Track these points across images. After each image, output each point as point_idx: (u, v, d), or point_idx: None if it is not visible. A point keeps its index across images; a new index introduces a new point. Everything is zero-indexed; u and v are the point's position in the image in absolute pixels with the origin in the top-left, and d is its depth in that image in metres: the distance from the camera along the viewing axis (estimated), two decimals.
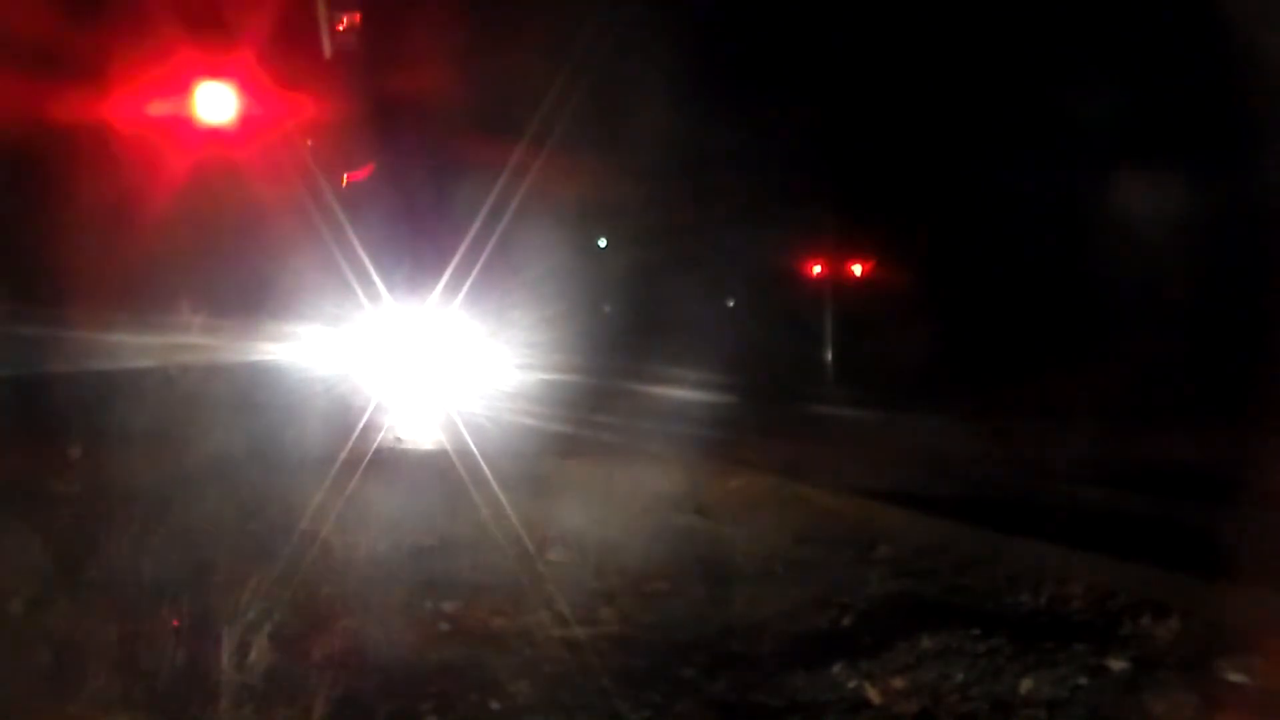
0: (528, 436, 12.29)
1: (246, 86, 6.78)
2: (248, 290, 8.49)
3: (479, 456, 9.60)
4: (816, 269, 24.06)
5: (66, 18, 5.78)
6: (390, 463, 9.33)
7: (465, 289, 15.18)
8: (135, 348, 6.77)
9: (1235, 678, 3.90)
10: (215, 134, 7.14)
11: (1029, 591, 5.24)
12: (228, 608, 3.83)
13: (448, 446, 11.56)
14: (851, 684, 4.15)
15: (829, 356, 23.22)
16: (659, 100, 17.06)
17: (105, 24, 6.12)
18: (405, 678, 4.17)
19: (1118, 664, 4.09)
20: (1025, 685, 3.99)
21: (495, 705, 3.94)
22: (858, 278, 23.71)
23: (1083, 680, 3.97)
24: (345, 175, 8.46)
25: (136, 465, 5.79)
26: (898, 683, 4.14)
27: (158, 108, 6.56)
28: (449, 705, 3.91)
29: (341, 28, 8.35)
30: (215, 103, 6.63)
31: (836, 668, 4.29)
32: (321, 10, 8.34)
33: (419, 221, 17.46)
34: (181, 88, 6.57)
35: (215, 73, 6.65)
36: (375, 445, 10.27)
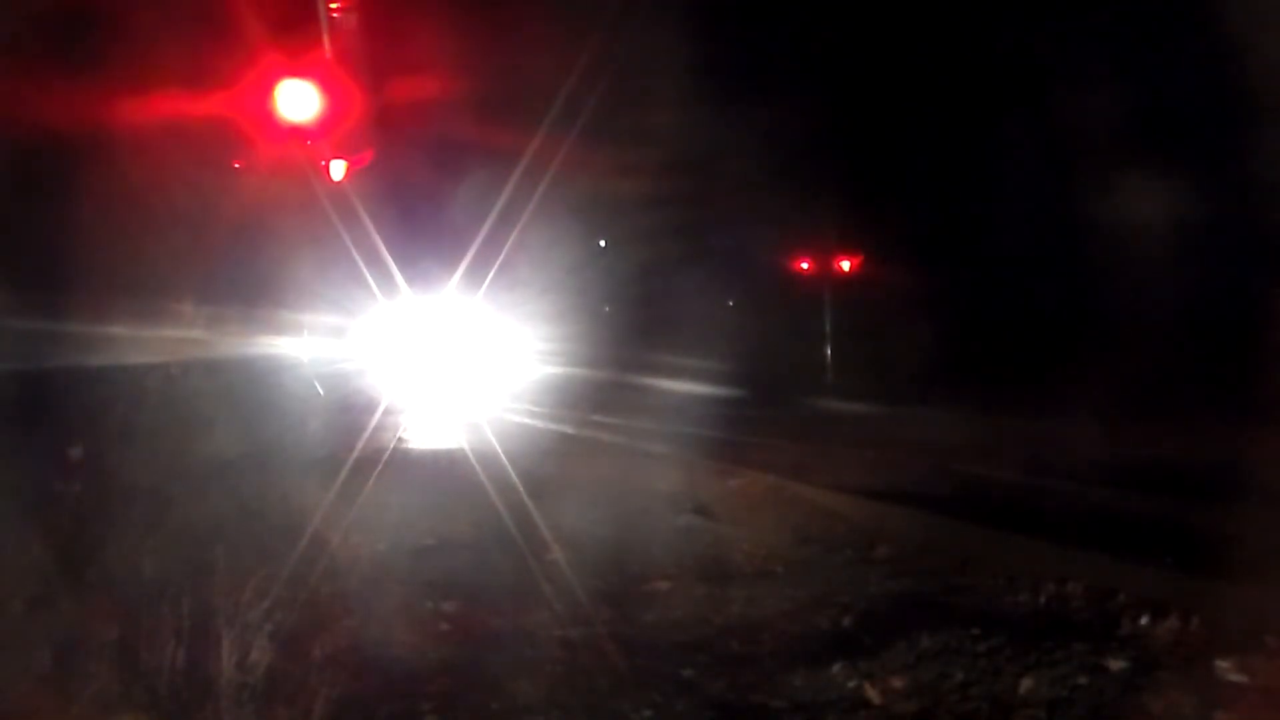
0: (528, 435, 12.32)
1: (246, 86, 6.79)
2: (259, 285, 8.50)
3: (479, 456, 9.63)
4: (804, 265, 24.08)
5: (62, 19, 5.78)
6: (391, 461, 9.34)
7: (469, 286, 15.25)
8: (141, 342, 6.78)
9: (1235, 677, 3.90)
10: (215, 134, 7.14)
11: (1029, 591, 5.24)
12: (228, 608, 3.82)
13: (449, 446, 11.58)
14: (851, 684, 4.15)
15: (828, 354, 23.23)
16: (659, 99, 17.08)
17: (103, 24, 6.12)
18: (405, 678, 4.18)
19: (1117, 663, 4.10)
20: (1025, 685, 4.00)
21: (495, 705, 3.94)
22: (845, 273, 23.70)
23: (1082, 680, 3.98)
24: (348, 165, 8.42)
25: (137, 464, 5.79)
26: (897, 682, 4.14)
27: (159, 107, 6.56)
28: (449, 705, 3.92)
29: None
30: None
31: (836, 668, 4.29)
32: (321, 7, 8.32)
33: (424, 220, 17.51)
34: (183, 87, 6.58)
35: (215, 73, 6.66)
36: (377, 443, 10.29)
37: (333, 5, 7.74)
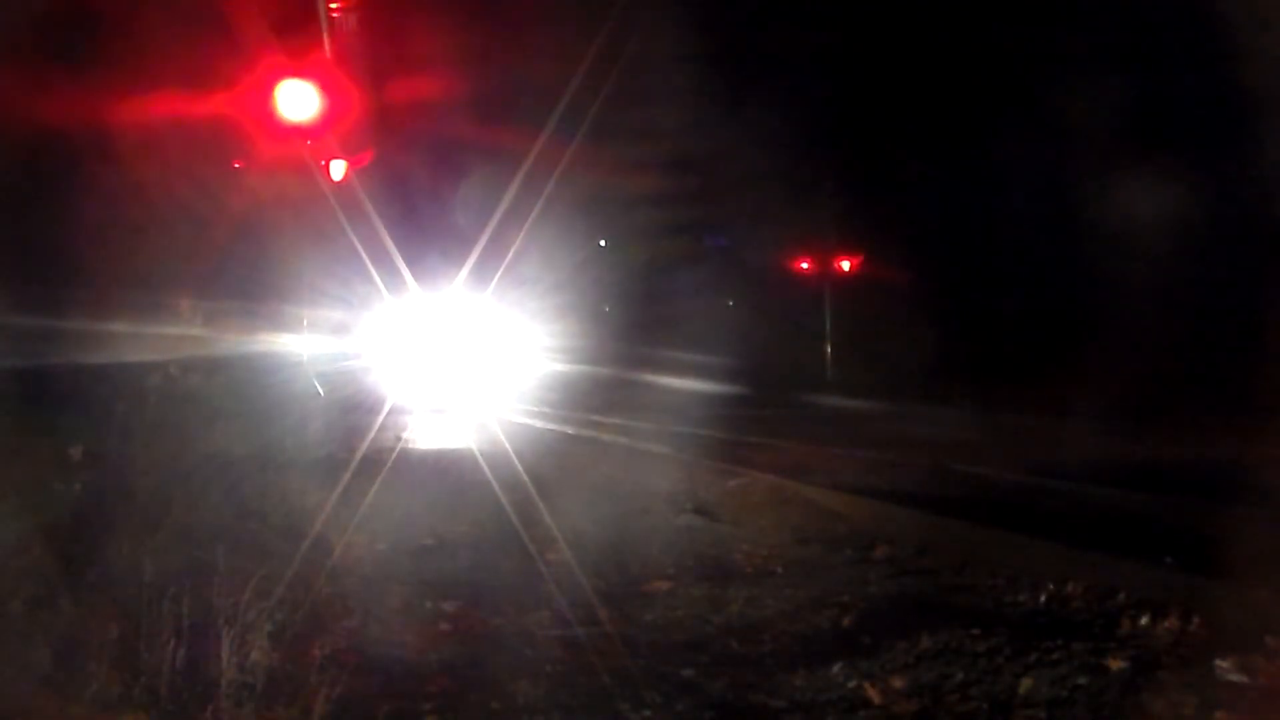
0: (529, 434, 12.32)
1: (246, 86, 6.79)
2: (260, 281, 8.50)
3: (480, 456, 9.63)
4: (804, 265, 24.11)
5: (60, 19, 5.78)
6: (393, 461, 9.33)
7: (474, 283, 15.28)
8: (141, 339, 6.78)
9: (1235, 677, 3.90)
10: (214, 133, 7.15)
11: (1028, 591, 5.24)
12: (228, 608, 3.82)
13: (450, 445, 11.58)
14: (851, 684, 4.15)
15: (828, 352, 23.25)
16: (661, 99, 17.09)
17: (102, 25, 6.12)
18: (405, 678, 4.18)
19: (1117, 663, 4.09)
20: (1024, 685, 4.00)
21: (495, 705, 3.94)
22: (845, 273, 23.74)
23: (1082, 680, 3.98)
24: (348, 165, 8.44)
25: (137, 464, 5.78)
26: (897, 682, 4.14)
27: (160, 107, 6.58)
28: (449, 705, 3.91)
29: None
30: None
31: (836, 668, 4.29)
32: (321, 6, 8.32)
33: (428, 217, 17.54)
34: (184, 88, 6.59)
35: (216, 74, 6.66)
36: (380, 443, 10.29)
37: (333, 5, 7.73)
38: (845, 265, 23.70)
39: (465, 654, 4.54)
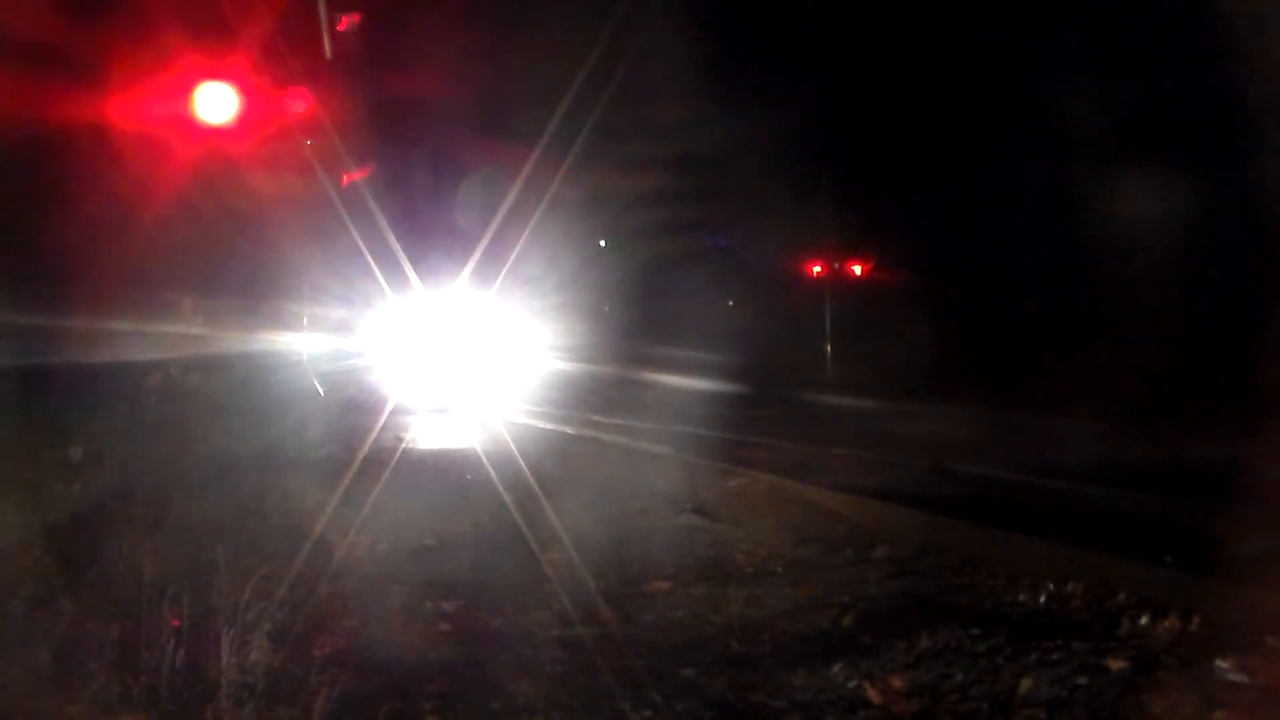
0: (530, 434, 12.32)
1: (246, 87, 6.79)
2: (261, 280, 8.50)
3: (481, 455, 9.64)
4: (816, 269, 24.14)
5: (70, 19, 5.78)
6: (393, 461, 9.35)
7: (477, 282, 15.31)
8: (141, 338, 6.78)
9: (1234, 677, 3.90)
10: (216, 133, 7.14)
11: (1028, 591, 5.23)
12: (228, 608, 3.83)
13: (450, 446, 11.59)
14: (851, 684, 4.15)
15: (827, 351, 23.25)
16: (664, 99, 17.09)
17: (108, 25, 6.12)
18: (405, 678, 4.18)
19: (1117, 663, 4.09)
20: (1024, 685, 4.00)
21: (495, 705, 3.94)
22: (858, 277, 23.77)
23: (1082, 680, 3.98)
24: (345, 175, 8.47)
25: (137, 464, 5.78)
26: (897, 682, 4.14)
27: (161, 107, 6.57)
28: (449, 705, 3.92)
29: (343, 28, 8.31)
30: (216, 103, 6.62)
31: (836, 668, 4.29)
32: (322, 11, 8.33)
33: (431, 216, 17.56)
34: (184, 89, 6.58)
35: (216, 74, 6.65)
36: (380, 443, 10.30)
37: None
38: (857, 270, 23.78)
39: (465, 654, 4.54)
